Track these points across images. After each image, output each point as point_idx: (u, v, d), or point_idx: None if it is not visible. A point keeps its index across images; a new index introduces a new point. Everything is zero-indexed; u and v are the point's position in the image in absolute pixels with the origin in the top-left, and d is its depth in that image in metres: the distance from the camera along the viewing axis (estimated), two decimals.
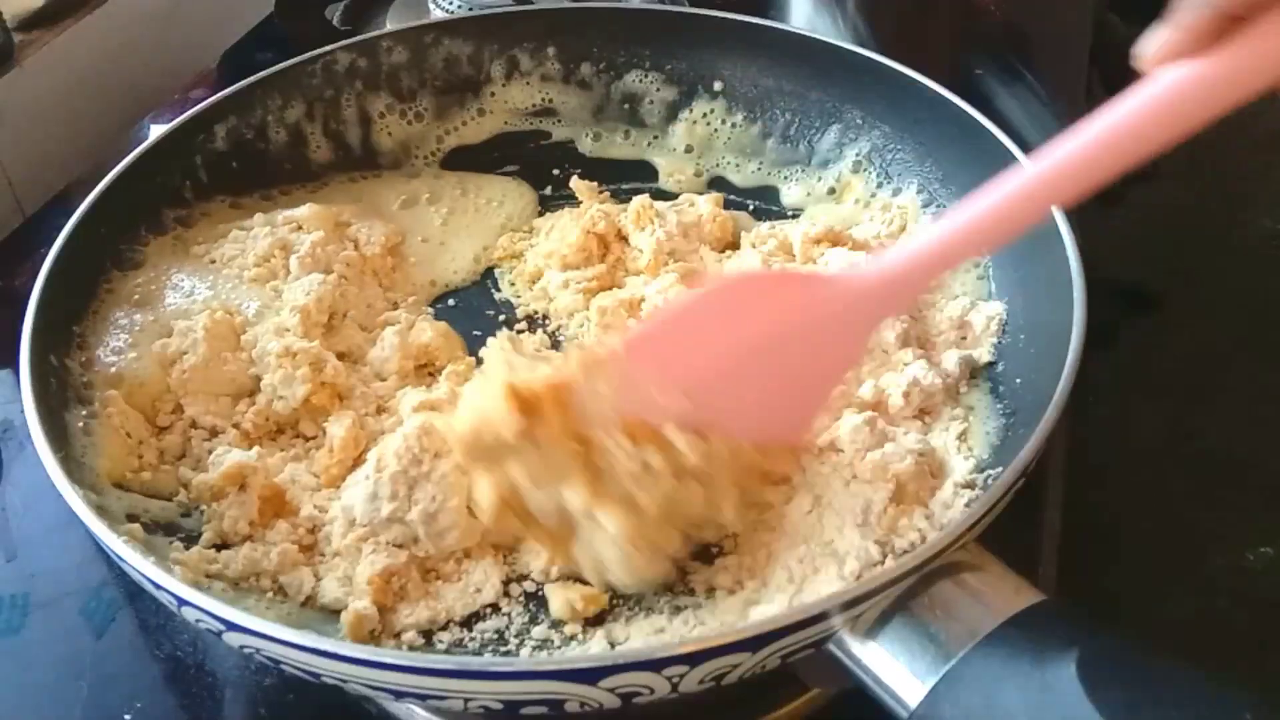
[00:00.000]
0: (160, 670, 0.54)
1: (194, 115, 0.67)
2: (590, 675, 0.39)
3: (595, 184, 0.70)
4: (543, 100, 0.75)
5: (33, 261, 0.59)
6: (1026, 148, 0.59)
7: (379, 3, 0.96)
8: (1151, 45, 0.39)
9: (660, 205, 0.66)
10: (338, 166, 0.72)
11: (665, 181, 0.72)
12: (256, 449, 0.54)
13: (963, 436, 0.53)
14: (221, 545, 0.50)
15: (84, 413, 0.52)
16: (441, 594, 0.49)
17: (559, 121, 0.75)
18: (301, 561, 0.50)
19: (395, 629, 0.48)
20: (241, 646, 0.42)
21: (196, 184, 0.67)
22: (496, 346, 0.51)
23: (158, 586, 0.43)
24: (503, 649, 0.48)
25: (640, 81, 0.74)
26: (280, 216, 0.65)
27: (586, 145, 0.75)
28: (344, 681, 0.41)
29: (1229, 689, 0.36)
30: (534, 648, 0.47)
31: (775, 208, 0.70)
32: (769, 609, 0.47)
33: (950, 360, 0.55)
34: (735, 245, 0.66)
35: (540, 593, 0.49)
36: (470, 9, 0.82)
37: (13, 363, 0.51)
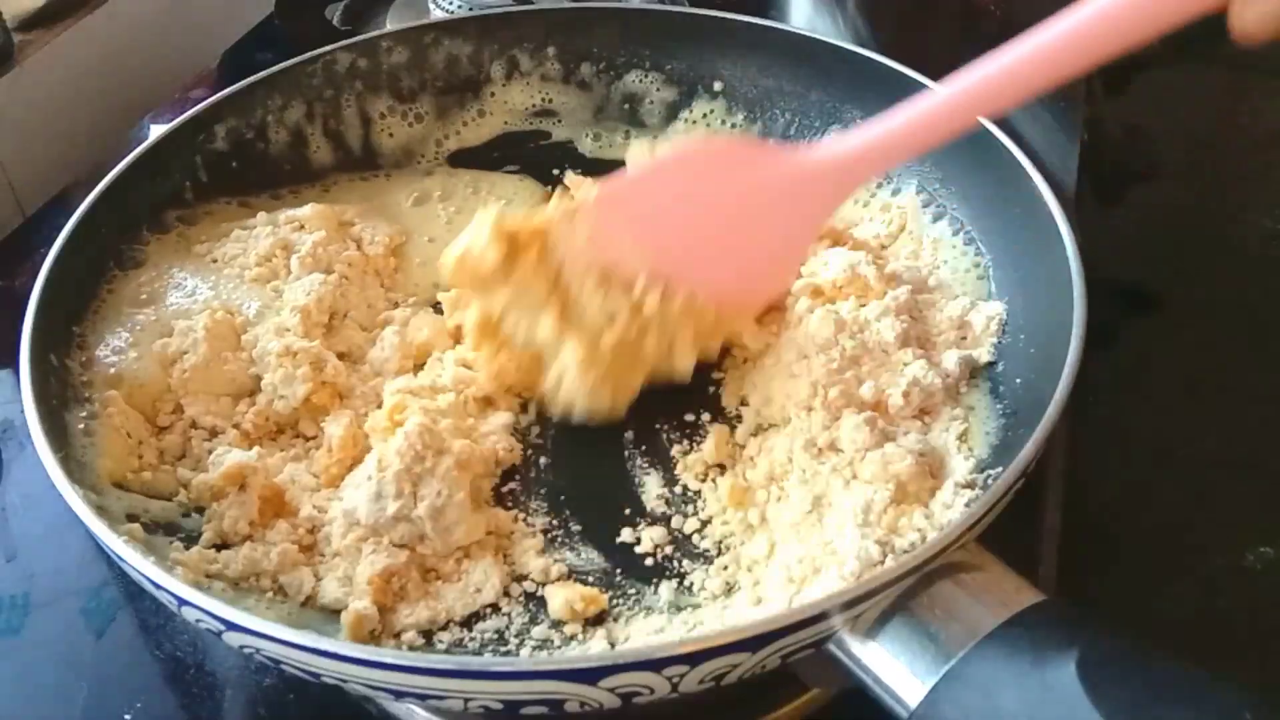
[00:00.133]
0: (160, 670, 0.54)
1: (194, 115, 0.67)
2: (590, 675, 0.39)
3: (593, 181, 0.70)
4: (543, 100, 0.75)
5: (33, 261, 0.59)
6: (1026, 147, 0.59)
7: (379, 3, 0.96)
8: None
9: None
10: (339, 167, 0.72)
11: None
12: (256, 449, 0.54)
13: (963, 436, 0.53)
14: (221, 545, 0.50)
15: (84, 413, 0.52)
16: (441, 594, 0.49)
17: (559, 122, 0.75)
18: (301, 561, 0.50)
19: (395, 629, 0.48)
20: (241, 646, 0.42)
21: (197, 184, 0.67)
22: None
23: (158, 586, 0.43)
24: (503, 649, 0.48)
25: (640, 82, 0.74)
26: (283, 216, 0.65)
27: (587, 145, 0.75)
28: (344, 681, 0.41)
29: (1229, 689, 0.36)
30: (534, 648, 0.47)
31: None
32: (769, 609, 0.47)
33: (950, 360, 0.55)
34: None
35: (540, 593, 0.49)
36: (470, 9, 0.82)
37: (13, 363, 0.51)
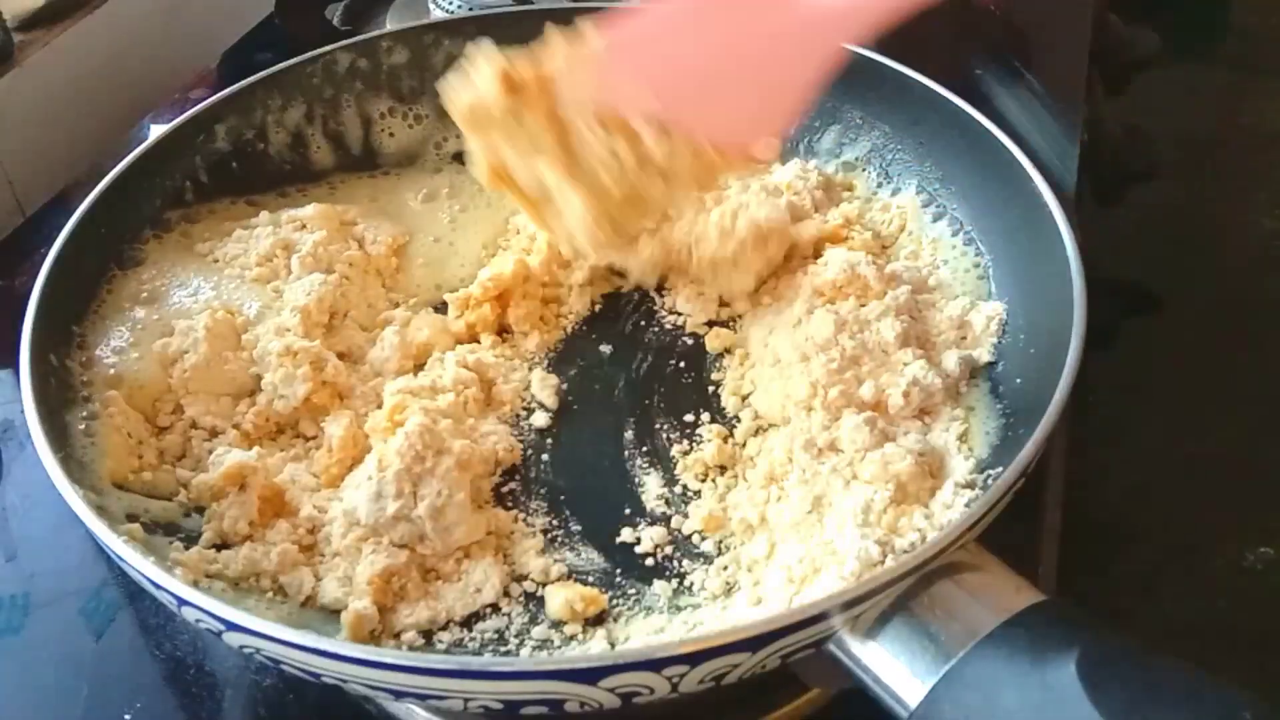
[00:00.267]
0: (160, 670, 0.54)
1: (194, 115, 0.67)
2: (590, 675, 0.39)
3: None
4: None
5: (33, 261, 0.59)
6: (1026, 147, 0.59)
7: (379, 3, 0.96)
8: None
9: None
10: (339, 167, 0.72)
11: None
12: (256, 449, 0.54)
13: (963, 436, 0.53)
14: (221, 545, 0.50)
15: (84, 413, 0.52)
16: (441, 594, 0.49)
17: None
18: (301, 561, 0.50)
19: (395, 629, 0.48)
20: (241, 646, 0.42)
21: (197, 184, 0.67)
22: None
23: (158, 586, 0.43)
24: (503, 649, 0.48)
25: None
26: (284, 216, 0.65)
27: None
28: (344, 681, 0.41)
29: (1229, 689, 0.36)
30: (534, 648, 0.47)
31: None
32: (769, 609, 0.47)
33: (950, 360, 0.55)
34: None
35: (540, 593, 0.49)
36: (470, 9, 0.82)
37: (13, 363, 0.51)
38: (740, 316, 0.62)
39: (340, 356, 0.59)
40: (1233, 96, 0.94)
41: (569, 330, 0.63)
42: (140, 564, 0.43)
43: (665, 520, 0.52)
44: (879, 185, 0.68)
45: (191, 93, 0.92)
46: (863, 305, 0.57)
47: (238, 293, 0.61)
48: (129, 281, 0.60)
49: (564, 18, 0.74)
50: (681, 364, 0.60)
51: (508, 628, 0.48)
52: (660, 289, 0.64)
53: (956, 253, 0.62)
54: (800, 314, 0.58)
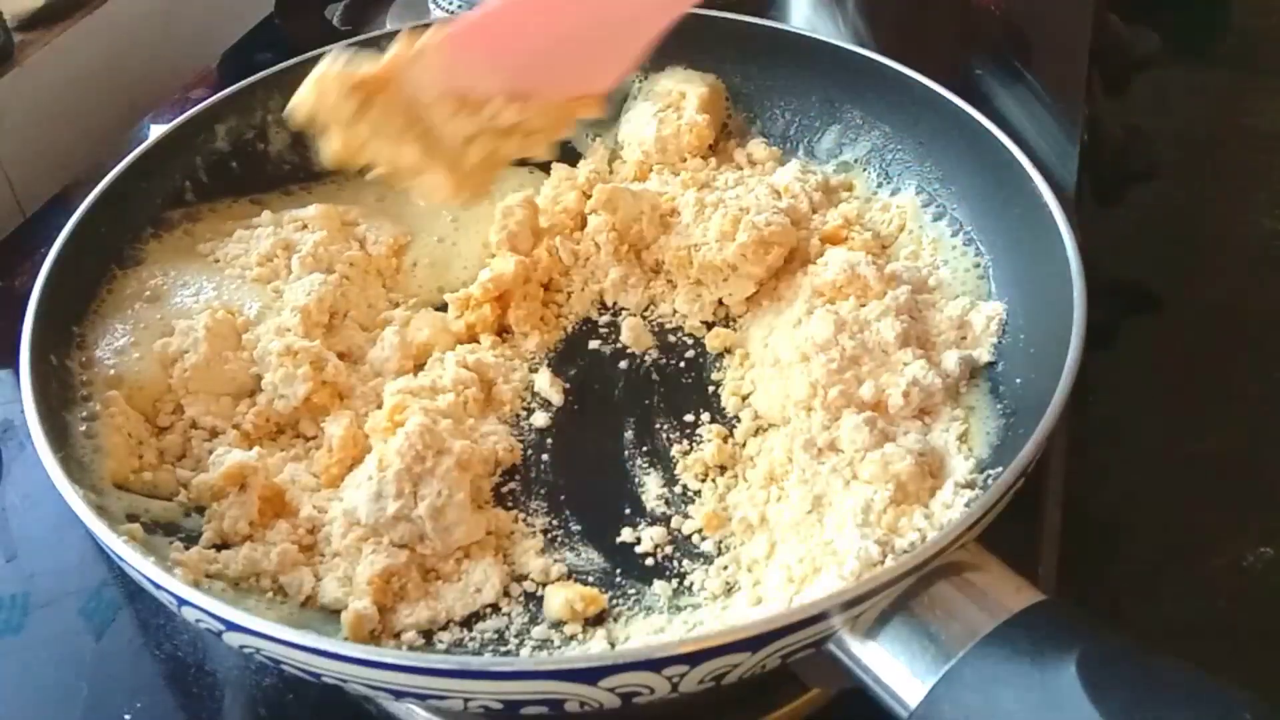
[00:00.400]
0: (160, 670, 0.54)
1: (194, 115, 0.67)
2: (590, 675, 0.39)
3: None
4: None
5: (33, 261, 0.59)
6: (1026, 147, 0.59)
7: (379, 3, 0.96)
8: None
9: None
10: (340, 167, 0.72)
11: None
12: (257, 449, 0.54)
13: (963, 436, 0.53)
14: (221, 545, 0.50)
15: (84, 413, 0.52)
16: (441, 594, 0.49)
17: None
18: (301, 561, 0.50)
19: (395, 629, 0.48)
20: (241, 646, 0.42)
21: (197, 184, 0.67)
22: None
23: (158, 586, 0.43)
24: (503, 649, 0.48)
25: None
26: (286, 216, 0.65)
27: (586, 145, 0.74)
28: (344, 681, 0.41)
29: (1229, 689, 0.36)
30: (534, 648, 0.47)
31: None
32: (769, 609, 0.47)
33: (950, 360, 0.55)
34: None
35: (540, 593, 0.49)
36: (470, 8, 0.82)
37: (13, 363, 0.51)
38: (740, 316, 0.62)
39: (340, 356, 0.59)
40: (1233, 96, 0.94)
41: (569, 330, 0.63)
42: (140, 564, 0.43)
43: (665, 520, 0.52)
44: (879, 185, 0.68)
45: (191, 93, 0.92)
46: (863, 305, 0.57)
47: (238, 293, 0.61)
48: (129, 281, 0.60)
49: None
50: (681, 364, 0.60)
51: (508, 628, 0.48)
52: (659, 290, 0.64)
53: (956, 253, 0.62)
54: (800, 314, 0.58)
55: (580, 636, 0.48)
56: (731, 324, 0.62)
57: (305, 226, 0.64)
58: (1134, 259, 0.78)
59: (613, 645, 0.47)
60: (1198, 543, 0.60)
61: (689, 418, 0.57)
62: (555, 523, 0.53)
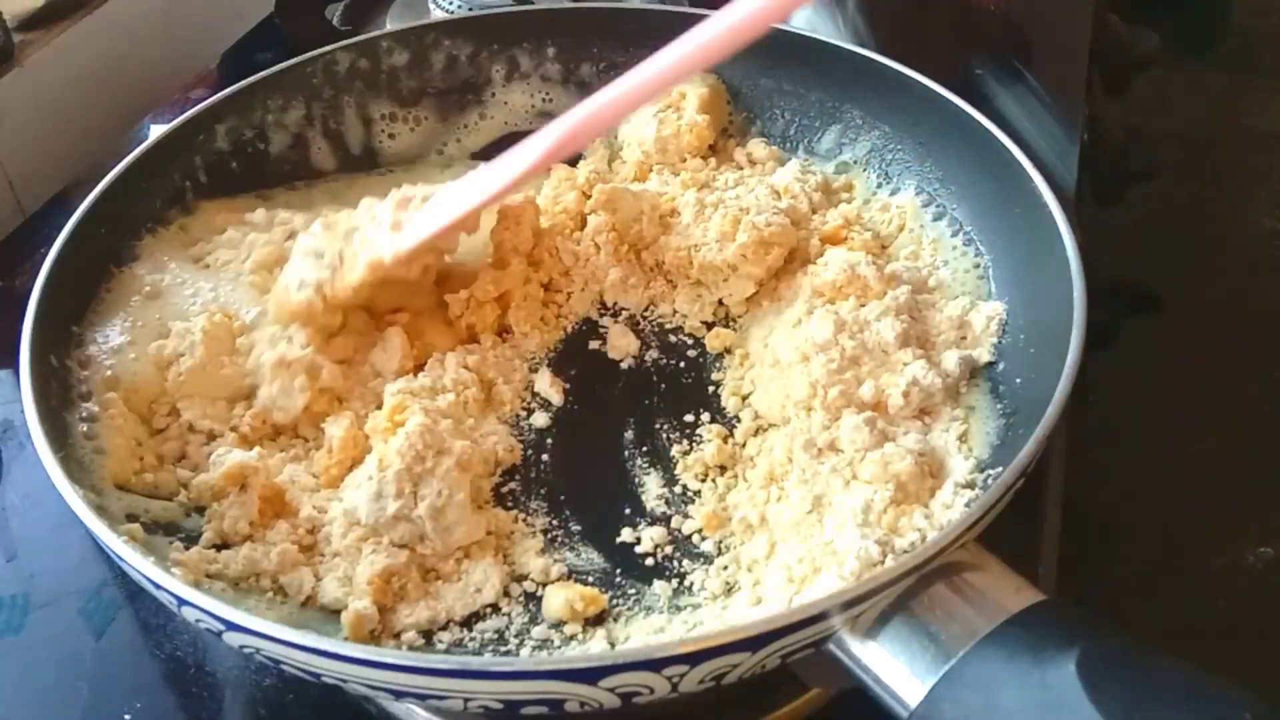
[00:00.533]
0: (160, 670, 0.54)
1: (194, 115, 0.67)
2: (590, 675, 0.39)
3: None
4: (543, 100, 0.75)
5: (33, 261, 0.59)
6: (1026, 147, 0.59)
7: (379, 3, 0.96)
8: None
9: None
10: (340, 168, 0.72)
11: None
12: (257, 449, 0.54)
13: (963, 436, 0.53)
14: (221, 545, 0.50)
15: (84, 413, 0.52)
16: (441, 594, 0.49)
17: None
18: (301, 561, 0.50)
19: (395, 629, 0.48)
20: (241, 646, 0.42)
21: (197, 184, 0.67)
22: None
23: (158, 586, 0.43)
24: (503, 649, 0.48)
25: None
26: (277, 218, 0.65)
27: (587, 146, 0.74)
28: (344, 681, 0.41)
29: (1229, 689, 0.36)
30: (534, 648, 0.47)
31: None
32: (769, 609, 0.47)
33: (950, 360, 0.55)
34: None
35: (540, 593, 0.49)
36: (470, 9, 0.82)
37: (13, 363, 0.51)
38: (740, 317, 0.62)
39: (340, 362, 0.58)
40: (1233, 96, 0.94)
41: (569, 330, 0.63)
42: (140, 564, 0.43)
43: (665, 520, 0.52)
44: (879, 185, 0.68)
45: (191, 93, 0.92)
46: (863, 305, 0.57)
47: (235, 296, 0.61)
48: (128, 282, 0.60)
49: (564, 17, 0.75)
50: (681, 364, 0.60)
51: (508, 628, 0.48)
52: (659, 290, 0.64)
53: (956, 253, 0.62)
54: (800, 314, 0.58)
55: (580, 636, 0.48)
56: (731, 324, 0.62)
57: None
58: (1134, 259, 0.78)
59: (613, 645, 0.47)
60: (1198, 543, 0.60)
61: (689, 418, 0.57)
62: (555, 523, 0.53)
